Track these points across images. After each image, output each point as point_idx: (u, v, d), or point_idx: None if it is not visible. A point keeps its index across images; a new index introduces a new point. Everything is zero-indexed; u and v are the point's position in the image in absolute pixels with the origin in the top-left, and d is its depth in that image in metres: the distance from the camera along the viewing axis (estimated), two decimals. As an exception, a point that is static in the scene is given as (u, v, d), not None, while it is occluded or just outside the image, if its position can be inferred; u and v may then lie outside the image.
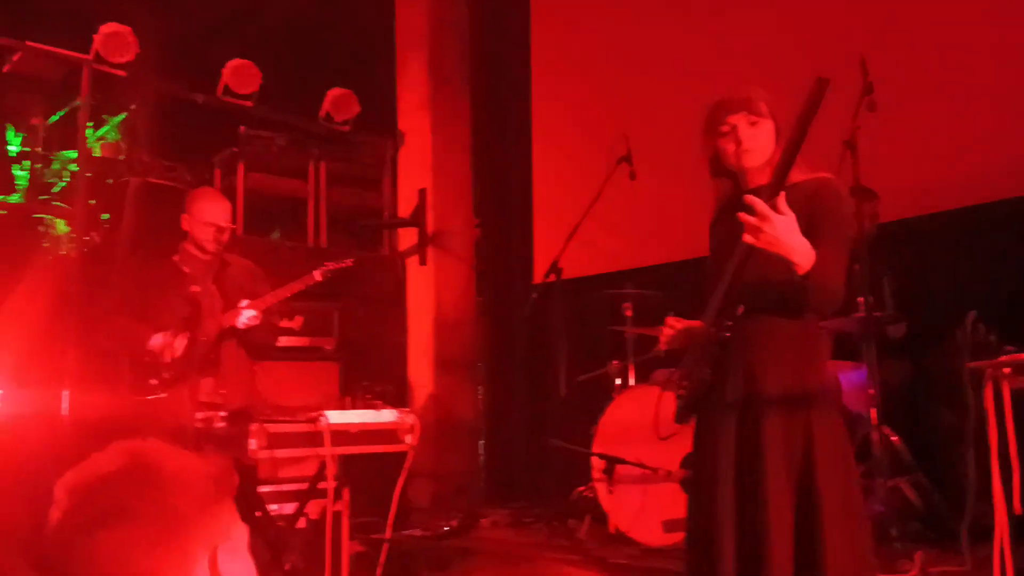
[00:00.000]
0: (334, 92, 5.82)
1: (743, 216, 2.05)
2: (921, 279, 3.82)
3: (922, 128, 4.03)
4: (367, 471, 3.48)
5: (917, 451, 3.63)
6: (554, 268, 4.18)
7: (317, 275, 3.50)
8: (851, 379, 3.63)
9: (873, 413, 3.34)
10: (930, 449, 3.65)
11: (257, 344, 3.59)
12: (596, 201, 4.16)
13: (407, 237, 5.94)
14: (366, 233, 5.97)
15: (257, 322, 3.41)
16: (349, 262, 3.56)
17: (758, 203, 2.02)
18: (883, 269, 3.73)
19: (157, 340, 3.35)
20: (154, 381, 3.31)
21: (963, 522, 2.92)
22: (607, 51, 5.53)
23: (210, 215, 3.53)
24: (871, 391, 3.32)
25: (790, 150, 2.00)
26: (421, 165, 5.96)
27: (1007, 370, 2.18)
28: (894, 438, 3.57)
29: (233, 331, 3.44)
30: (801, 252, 2.06)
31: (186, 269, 3.48)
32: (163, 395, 3.27)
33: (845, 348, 3.72)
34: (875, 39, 4.01)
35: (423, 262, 5.82)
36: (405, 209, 5.98)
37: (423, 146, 5.99)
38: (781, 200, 2.03)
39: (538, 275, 5.66)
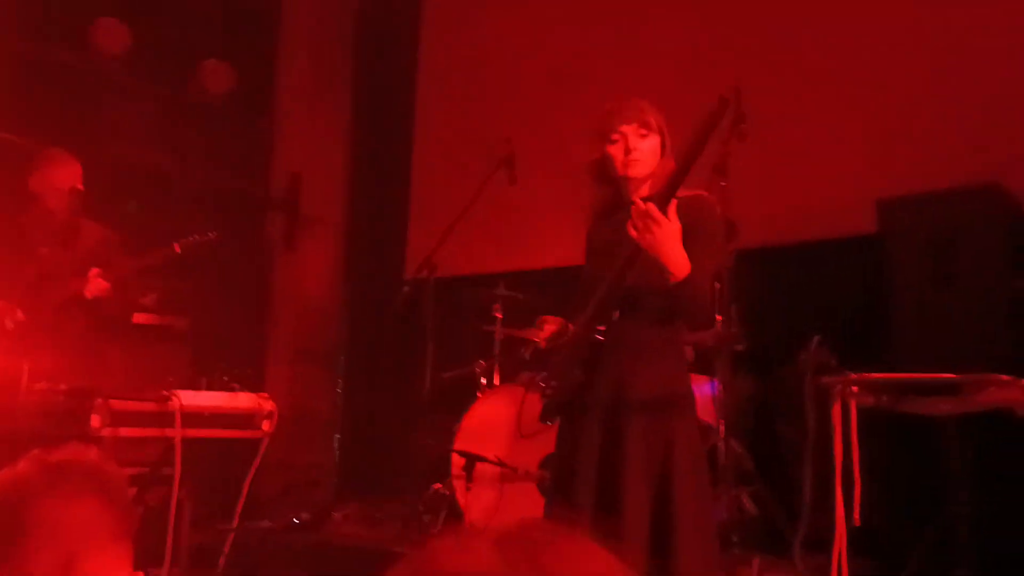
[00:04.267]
0: (209, 63, 5.57)
1: (636, 209, 2.10)
2: (770, 303, 4.05)
3: (782, 162, 4.27)
4: (208, 458, 3.33)
5: (759, 462, 3.83)
6: (427, 264, 4.15)
7: (177, 247, 3.32)
8: (702, 391, 3.79)
9: (722, 424, 3.51)
10: (771, 461, 3.86)
11: (109, 317, 3.37)
12: (474, 202, 4.16)
13: (275, 221, 5.76)
14: (232, 213, 5.74)
15: (107, 293, 3.21)
16: (212, 236, 3.40)
17: (652, 207, 2.08)
18: (736, 292, 3.92)
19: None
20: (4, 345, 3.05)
21: (797, 532, 3.10)
22: (494, 56, 5.57)
23: (59, 178, 3.30)
24: (721, 403, 3.47)
25: (687, 160, 2.08)
26: (296, 149, 5.80)
27: (855, 388, 2.33)
28: (739, 449, 3.74)
29: (80, 300, 3.22)
30: (678, 262, 2.14)
31: (34, 232, 3.23)
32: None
33: (696, 362, 3.88)
34: (749, 70, 4.22)
35: (290, 248, 5.66)
36: (275, 193, 5.80)
37: (299, 129, 5.83)
38: (672, 208, 2.10)
39: (409, 271, 5.61)
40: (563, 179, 4.69)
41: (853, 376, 2.40)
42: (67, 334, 3.22)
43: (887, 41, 4.15)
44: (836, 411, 2.41)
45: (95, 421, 2.66)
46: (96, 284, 3.17)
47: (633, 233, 2.12)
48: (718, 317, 3.54)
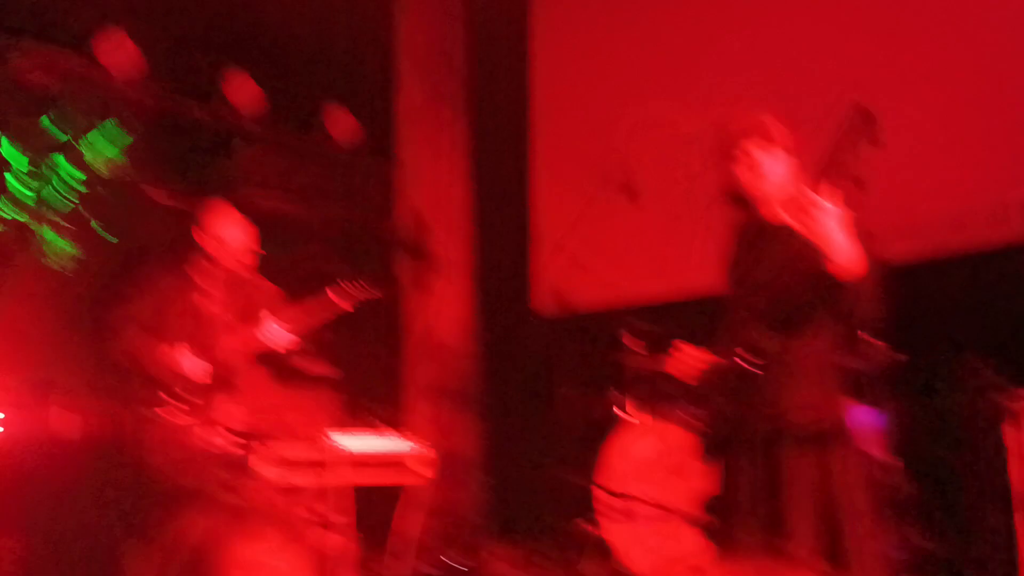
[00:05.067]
0: (333, 112, 5.79)
1: (793, 195, 2.06)
2: (927, 321, 3.84)
3: (927, 168, 4.06)
4: (361, 500, 3.39)
5: (921, 491, 3.63)
6: (560, 300, 4.15)
7: (343, 301, 3.45)
8: (858, 418, 3.62)
9: (881, 452, 3.34)
10: (934, 489, 3.66)
11: (282, 366, 3.51)
12: (601, 234, 4.14)
13: (404, 262, 5.86)
14: (361, 256, 5.90)
15: (286, 340, 3.35)
16: (377, 292, 3.52)
17: (811, 193, 2.03)
18: (887, 310, 3.74)
19: (172, 355, 3.22)
20: (168, 398, 3.20)
21: (965, 563, 2.91)
22: (610, 80, 5.53)
23: (225, 231, 3.46)
24: (880, 430, 3.31)
25: (827, 168, 2.03)
26: (420, 190, 5.91)
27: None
28: (900, 478, 3.56)
29: (256, 351, 3.37)
30: (843, 246, 2.06)
31: (201, 283, 3.40)
32: (176, 413, 3.16)
33: (850, 387, 3.71)
34: (885, 72, 4.04)
35: (420, 288, 5.74)
36: (402, 234, 5.92)
37: (422, 170, 5.94)
38: (834, 194, 2.05)
39: (542, 306, 5.59)
40: (691, 204, 4.62)
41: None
42: (241, 383, 3.35)
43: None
44: (1012, 433, 2.26)
45: (263, 467, 2.75)
46: (276, 332, 3.29)
47: (791, 221, 2.07)
48: (870, 339, 3.40)
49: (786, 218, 2.08)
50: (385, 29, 6.09)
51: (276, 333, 3.30)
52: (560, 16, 5.93)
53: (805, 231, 2.04)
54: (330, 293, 3.40)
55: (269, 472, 2.74)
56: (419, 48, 6.03)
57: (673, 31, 5.20)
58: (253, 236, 3.51)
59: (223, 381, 3.29)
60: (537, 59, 6.05)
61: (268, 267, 5.19)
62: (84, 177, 5.02)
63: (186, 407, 3.01)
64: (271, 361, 3.47)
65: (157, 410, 3.22)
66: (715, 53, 4.97)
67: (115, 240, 4.77)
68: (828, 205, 2.03)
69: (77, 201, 4.82)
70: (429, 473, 3.11)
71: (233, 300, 3.45)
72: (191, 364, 3.22)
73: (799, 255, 2.15)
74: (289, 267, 5.31)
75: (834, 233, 2.04)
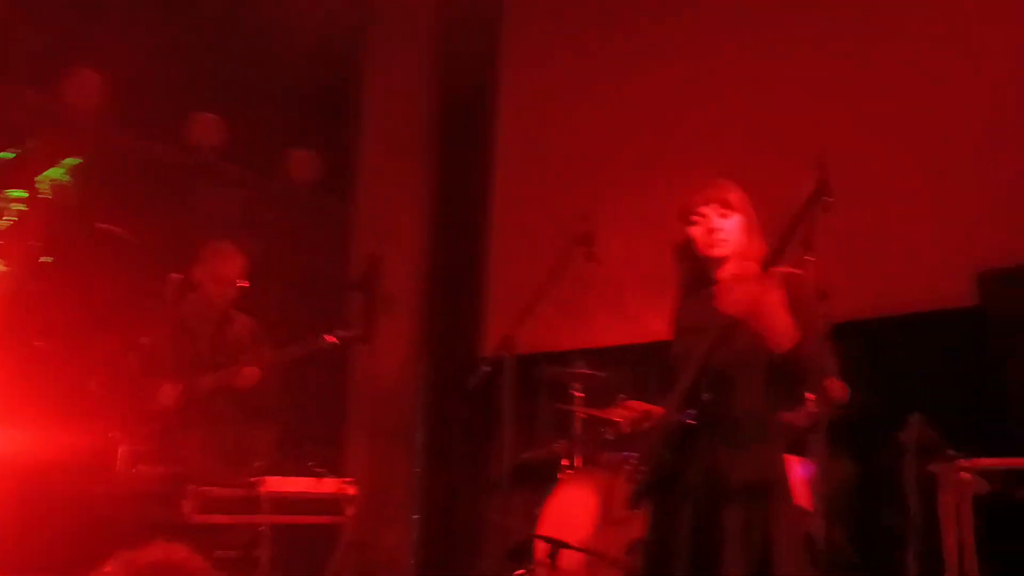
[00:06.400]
0: (295, 153, 5.82)
1: (726, 281, 2.08)
2: (868, 380, 3.88)
3: (874, 233, 4.14)
4: (291, 540, 3.33)
5: (859, 551, 3.63)
6: (506, 342, 4.12)
7: (326, 339, 3.45)
8: (795, 472, 3.62)
9: (818, 509, 3.34)
10: (872, 549, 3.65)
11: (255, 402, 3.47)
12: (553, 279, 4.15)
13: (354, 303, 5.85)
14: (314, 296, 5.88)
15: (256, 380, 3.29)
16: (359, 333, 3.53)
17: (747, 276, 2.07)
18: (831, 367, 3.77)
19: (145, 389, 3.15)
20: (129, 430, 3.15)
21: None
22: (573, 134, 5.62)
23: (225, 270, 3.44)
24: (818, 487, 3.31)
25: (787, 235, 2.08)
26: (374, 231, 5.93)
27: (966, 475, 2.20)
28: (838, 537, 3.56)
29: (230, 388, 3.33)
30: (784, 328, 2.09)
31: (192, 320, 3.37)
32: (131, 445, 3.10)
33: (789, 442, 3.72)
34: (836, 138, 4.14)
35: (369, 329, 5.72)
36: (355, 275, 5.91)
37: (377, 212, 5.96)
38: (773, 277, 2.08)
39: (488, 349, 5.60)
40: (643, 255, 4.67)
41: (963, 462, 2.26)
42: (213, 419, 3.31)
43: (986, 105, 4.01)
44: (946, 501, 2.27)
45: (187, 507, 2.71)
46: (248, 373, 3.27)
47: (721, 307, 2.10)
48: (810, 396, 3.42)
49: (733, 288, 2.11)
50: (351, 74, 6.16)
51: (250, 372, 3.29)
52: (529, 75, 6.03)
53: (741, 316, 2.08)
54: (327, 337, 3.39)
55: (189, 510, 2.68)
56: (385, 91, 6.09)
57: (641, 98, 5.27)
58: (243, 271, 3.50)
59: (184, 416, 3.26)
60: (506, 110, 6.13)
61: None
62: (34, 207, 4.98)
63: (144, 441, 2.95)
64: (253, 400, 3.44)
65: (115, 442, 3.16)
66: (683, 121, 5.04)
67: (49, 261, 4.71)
68: (769, 285, 2.07)
69: (23, 228, 4.76)
70: (350, 511, 3.07)
71: (218, 335, 3.43)
72: (161, 398, 3.17)
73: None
74: (245, 306, 5.29)
75: (770, 310, 2.08)
